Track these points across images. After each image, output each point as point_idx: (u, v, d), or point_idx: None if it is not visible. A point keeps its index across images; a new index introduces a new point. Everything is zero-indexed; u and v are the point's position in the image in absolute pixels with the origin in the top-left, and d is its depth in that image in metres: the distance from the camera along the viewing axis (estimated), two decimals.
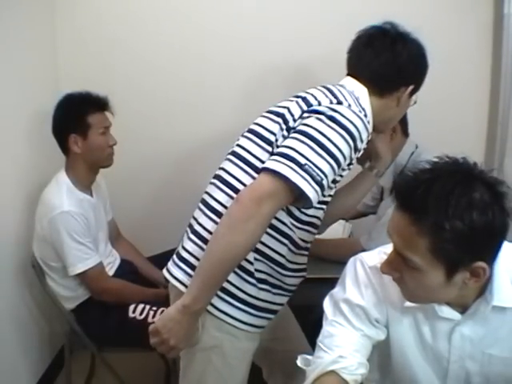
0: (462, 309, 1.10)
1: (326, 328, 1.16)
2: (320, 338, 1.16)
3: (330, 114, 1.27)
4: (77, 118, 1.97)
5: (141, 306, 1.98)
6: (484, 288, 1.06)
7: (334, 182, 1.37)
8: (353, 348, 1.11)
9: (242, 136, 1.42)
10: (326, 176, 1.24)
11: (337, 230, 2.15)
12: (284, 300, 1.51)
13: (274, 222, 1.35)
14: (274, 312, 1.48)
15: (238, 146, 1.41)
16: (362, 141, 1.31)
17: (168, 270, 1.46)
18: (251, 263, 1.37)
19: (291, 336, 1.68)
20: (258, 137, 1.37)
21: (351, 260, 1.22)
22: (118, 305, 1.98)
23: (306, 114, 1.30)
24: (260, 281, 1.40)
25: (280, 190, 1.23)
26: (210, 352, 1.40)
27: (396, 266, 1.04)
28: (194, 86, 2.51)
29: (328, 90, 1.36)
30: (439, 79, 2.48)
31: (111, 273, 2.11)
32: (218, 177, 1.41)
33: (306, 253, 1.52)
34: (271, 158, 1.27)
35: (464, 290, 1.04)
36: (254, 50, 2.45)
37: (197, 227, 1.41)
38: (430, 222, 0.95)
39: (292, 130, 1.30)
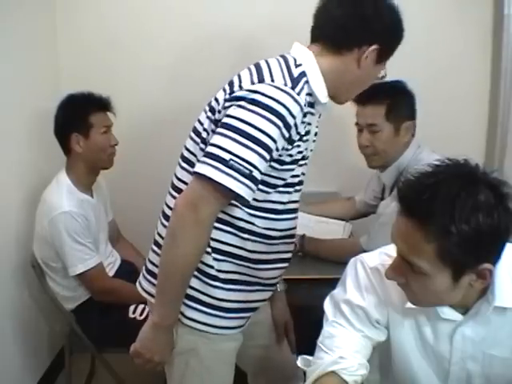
0: (464, 310, 1.09)
1: (327, 329, 1.16)
2: (320, 338, 1.16)
3: (251, 97, 1.16)
4: (79, 117, 1.98)
5: (141, 307, 1.97)
6: (485, 289, 1.06)
7: (295, 161, 1.27)
8: (353, 349, 1.11)
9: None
10: (255, 167, 1.16)
11: (337, 231, 2.14)
12: (265, 295, 1.44)
13: (228, 218, 1.28)
14: (251, 310, 1.41)
15: (184, 145, 1.34)
16: (293, 116, 1.18)
17: (140, 284, 1.45)
18: (211, 266, 1.31)
19: (273, 343, 1.61)
20: (194, 133, 1.31)
21: (352, 261, 1.22)
22: (118, 305, 1.98)
23: (227, 104, 1.21)
24: (228, 281, 1.33)
25: (211, 193, 1.17)
26: (187, 355, 1.36)
27: (401, 272, 1.04)
28: (196, 86, 2.50)
29: (256, 66, 1.26)
30: (439, 79, 2.49)
31: (111, 273, 2.11)
32: (171, 183, 1.37)
33: (288, 241, 1.41)
34: (199, 159, 1.21)
35: (468, 292, 1.04)
36: (258, 49, 2.44)
37: (156, 236, 1.38)
38: (437, 227, 0.95)
39: (219, 123, 1.21)
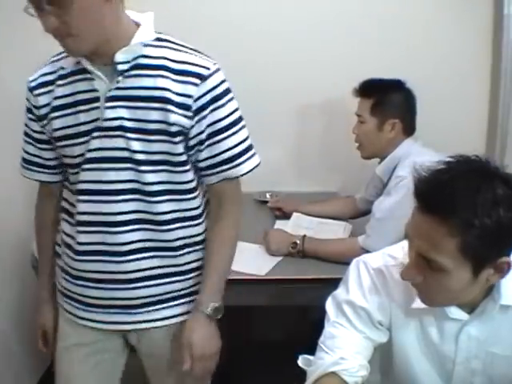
0: (469, 309, 1.09)
1: (328, 329, 1.16)
2: (321, 338, 1.15)
3: None
4: None
5: None
6: (491, 287, 1.06)
7: (62, 138, 1.33)
8: (354, 350, 1.11)
9: None
10: (23, 151, 1.49)
11: (337, 231, 2.14)
12: (88, 292, 1.34)
13: (63, 203, 1.42)
14: (81, 302, 1.37)
15: None
16: (27, 99, 1.39)
17: None
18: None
19: None
20: None
21: (354, 262, 1.22)
22: None
23: None
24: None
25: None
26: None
27: (420, 270, 1.03)
28: None
29: None
30: (439, 79, 2.48)
31: None
32: None
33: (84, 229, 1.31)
34: None
35: (483, 288, 1.04)
36: (259, 52, 2.44)
37: None
38: (460, 221, 0.95)
39: None
